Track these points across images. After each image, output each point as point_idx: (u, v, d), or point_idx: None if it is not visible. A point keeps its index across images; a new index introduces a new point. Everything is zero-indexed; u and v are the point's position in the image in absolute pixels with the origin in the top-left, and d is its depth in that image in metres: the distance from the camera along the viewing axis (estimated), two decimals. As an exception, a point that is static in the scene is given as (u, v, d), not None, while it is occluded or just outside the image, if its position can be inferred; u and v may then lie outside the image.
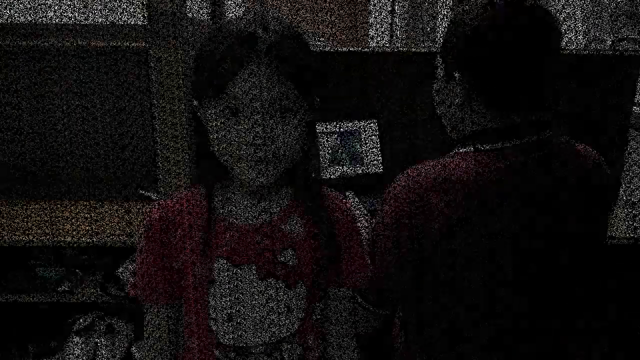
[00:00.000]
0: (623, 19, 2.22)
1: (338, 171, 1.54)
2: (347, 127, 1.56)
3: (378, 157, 1.57)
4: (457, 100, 0.90)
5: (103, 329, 1.31)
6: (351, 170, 1.55)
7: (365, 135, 1.57)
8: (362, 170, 1.56)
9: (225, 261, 0.72)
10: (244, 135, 0.66)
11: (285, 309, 0.75)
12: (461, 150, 0.89)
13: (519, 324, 0.88)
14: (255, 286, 0.73)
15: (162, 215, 0.74)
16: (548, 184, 0.86)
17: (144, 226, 0.74)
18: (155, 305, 0.78)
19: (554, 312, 0.91)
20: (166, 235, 0.73)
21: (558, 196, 0.86)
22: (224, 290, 0.73)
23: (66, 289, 1.25)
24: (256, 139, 0.65)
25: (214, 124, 0.69)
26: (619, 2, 2.22)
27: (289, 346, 0.76)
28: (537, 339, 0.90)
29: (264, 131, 0.65)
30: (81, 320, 1.34)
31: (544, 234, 0.86)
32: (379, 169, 1.57)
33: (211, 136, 0.70)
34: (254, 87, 0.64)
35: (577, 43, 2.49)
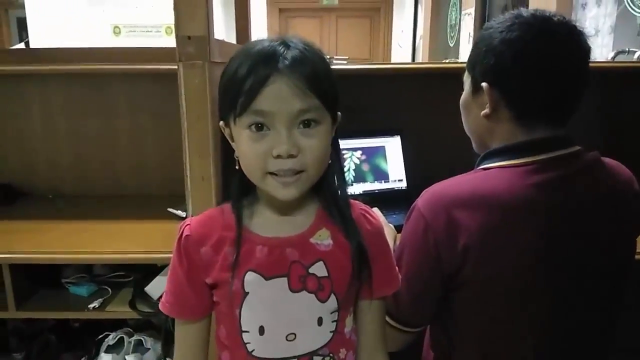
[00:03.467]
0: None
1: (362, 187, 1.54)
2: (371, 143, 1.56)
3: (402, 172, 1.57)
4: (483, 114, 0.90)
5: (132, 345, 1.33)
6: (375, 186, 1.55)
7: (389, 151, 1.57)
8: (386, 186, 1.56)
9: (256, 274, 0.73)
10: (270, 149, 0.68)
11: (317, 321, 0.75)
12: (487, 166, 0.89)
13: (551, 341, 0.86)
14: (286, 299, 0.74)
15: (192, 233, 0.76)
16: (578, 200, 0.84)
17: (175, 244, 0.77)
18: (186, 321, 0.79)
19: (584, 328, 0.89)
20: (197, 251, 0.75)
21: (589, 212, 0.85)
22: (255, 303, 0.74)
23: (97, 305, 1.27)
24: (282, 152, 0.67)
25: (240, 141, 0.71)
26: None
27: (320, 359, 0.76)
28: (569, 356, 0.88)
29: (290, 144, 0.67)
30: (111, 336, 1.35)
31: (574, 251, 0.84)
32: (403, 185, 1.57)
33: (238, 153, 0.73)
34: (278, 101, 0.66)
35: (604, 56, 2.46)
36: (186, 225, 0.78)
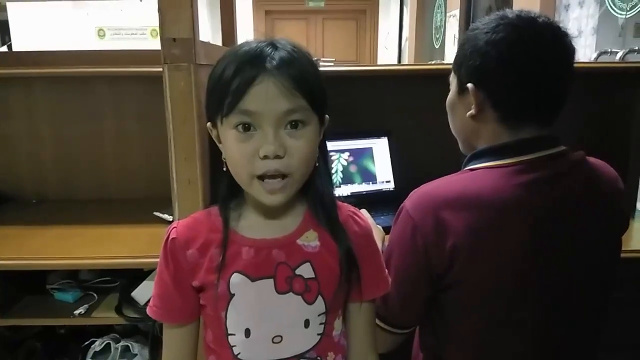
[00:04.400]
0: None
1: (350, 188, 1.54)
2: (358, 144, 1.56)
3: (390, 174, 1.57)
4: (469, 114, 0.90)
5: (119, 351, 1.31)
6: (363, 187, 1.55)
7: (377, 152, 1.58)
8: (374, 188, 1.56)
9: (242, 276, 0.73)
10: (256, 149, 0.67)
11: (304, 323, 0.75)
12: (474, 167, 0.89)
13: (541, 340, 0.87)
14: (272, 300, 0.73)
15: (178, 236, 0.75)
16: (565, 199, 0.85)
17: (162, 247, 0.76)
18: (174, 325, 0.78)
19: (573, 327, 0.90)
20: (183, 254, 0.75)
21: (575, 212, 0.86)
22: (241, 305, 0.74)
23: (82, 311, 1.25)
24: (269, 152, 0.66)
25: (227, 142, 0.70)
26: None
27: None
28: (560, 353, 0.89)
29: (276, 145, 0.67)
30: (97, 343, 1.34)
31: (562, 250, 0.85)
32: (391, 187, 1.57)
33: (225, 155, 0.72)
34: (265, 101, 0.66)
35: (587, 56, 2.49)
36: (173, 228, 0.77)
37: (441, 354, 0.93)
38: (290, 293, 0.74)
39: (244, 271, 0.73)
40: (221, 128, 0.71)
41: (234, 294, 0.74)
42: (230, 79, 0.67)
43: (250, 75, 0.66)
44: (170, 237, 0.76)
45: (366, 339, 0.83)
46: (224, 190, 0.77)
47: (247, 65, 0.67)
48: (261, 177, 0.69)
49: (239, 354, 0.76)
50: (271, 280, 0.74)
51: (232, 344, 0.76)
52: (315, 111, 0.71)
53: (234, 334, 0.75)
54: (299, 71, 0.68)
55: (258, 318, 0.75)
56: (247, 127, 0.68)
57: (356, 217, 0.81)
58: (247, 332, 0.75)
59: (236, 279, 0.73)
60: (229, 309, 0.74)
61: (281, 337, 0.75)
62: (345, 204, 0.82)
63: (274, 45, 0.69)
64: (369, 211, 1.13)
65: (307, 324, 0.76)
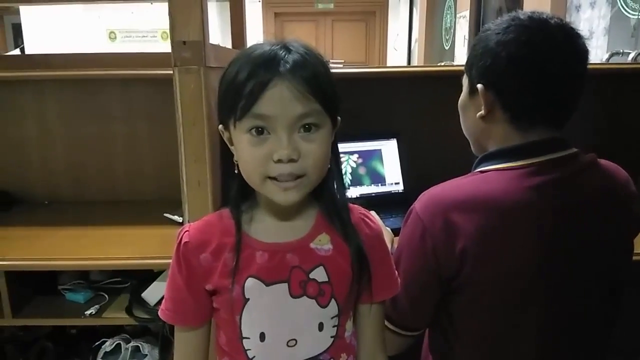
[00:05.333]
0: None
1: (359, 190, 1.54)
2: (367, 146, 1.56)
3: (399, 176, 1.57)
4: (479, 115, 0.90)
5: (130, 351, 1.32)
6: (372, 189, 1.55)
7: (386, 154, 1.57)
8: (383, 190, 1.56)
9: (257, 280, 0.73)
10: (270, 153, 0.67)
11: (318, 327, 0.75)
12: (485, 169, 0.89)
13: (550, 343, 0.86)
14: (287, 304, 0.73)
15: (191, 239, 0.75)
16: (576, 202, 0.84)
17: (174, 251, 0.76)
18: (186, 328, 0.78)
19: (583, 330, 0.89)
20: (196, 258, 0.74)
21: (586, 214, 0.85)
22: (256, 309, 0.73)
23: (93, 312, 1.26)
24: (283, 157, 0.66)
25: (240, 145, 0.70)
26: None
27: None
28: (568, 357, 0.88)
29: (290, 149, 0.66)
30: (108, 343, 1.35)
31: (572, 252, 0.84)
32: (400, 188, 1.57)
33: (238, 158, 0.72)
34: (279, 105, 0.66)
35: (598, 57, 2.47)
36: (185, 232, 0.77)
37: (450, 356, 0.93)
38: (304, 297, 0.74)
39: (258, 275, 0.73)
40: (234, 131, 0.71)
41: (248, 299, 0.73)
42: (244, 82, 0.67)
43: (265, 79, 0.66)
44: (183, 241, 0.75)
45: (375, 340, 0.83)
46: (235, 192, 0.77)
47: (261, 69, 0.67)
48: (274, 177, 0.69)
49: (253, 357, 0.76)
50: (285, 285, 0.74)
51: (246, 348, 0.76)
52: (328, 114, 0.70)
53: (249, 338, 0.75)
54: (312, 74, 0.68)
55: (273, 322, 0.75)
56: (260, 131, 0.68)
57: (367, 220, 0.80)
58: (262, 336, 0.75)
59: (251, 283, 0.73)
60: (244, 313, 0.74)
61: (296, 340, 0.75)
62: (357, 205, 0.82)
63: (287, 48, 0.69)
64: (377, 213, 1.12)
65: (321, 327, 0.76)
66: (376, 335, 0.83)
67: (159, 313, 0.79)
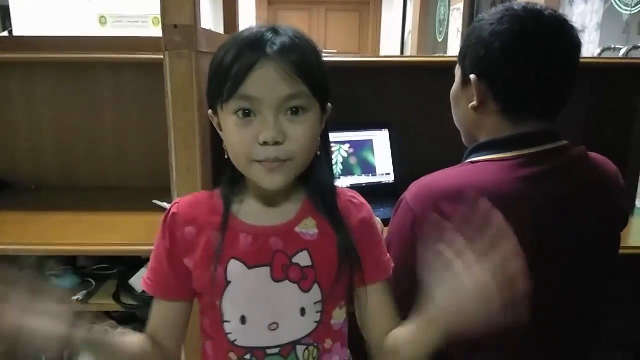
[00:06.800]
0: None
1: (349, 180, 1.54)
2: (358, 136, 1.56)
3: (390, 166, 1.57)
4: (471, 106, 0.90)
5: (116, 338, 1.31)
6: (363, 179, 1.55)
7: (377, 144, 1.57)
8: (374, 180, 1.56)
9: (239, 262, 0.72)
10: (256, 135, 0.67)
11: (300, 311, 0.75)
12: (475, 159, 0.89)
13: (539, 332, 0.87)
14: (269, 288, 0.73)
15: (179, 211, 0.76)
16: (565, 194, 0.85)
17: (162, 221, 0.76)
18: (163, 299, 0.78)
19: (571, 320, 0.90)
20: (181, 230, 0.75)
21: (576, 206, 0.86)
22: (237, 292, 0.74)
23: (80, 298, 1.25)
24: (268, 138, 0.66)
25: (227, 128, 0.70)
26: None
27: (304, 348, 0.76)
28: (556, 347, 0.89)
29: (276, 131, 0.66)
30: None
31: (561, 244, 0.85)
32: (391, 179, 1.57)
33: (226, 142, 0.72)
34: (265, 87, 0.65)
35: (590, 52, 2.48)
36: (175, 204, 0.78)
37: (441, 346, 0.93)
38: (287, 281, 0.74)
39: (241, 258, 0.73)
40: (221, 114, 0.71)
41: (230, 282, 0.74)
42: (231, 64, 0.67)
43: (251, 60, 0.66)
44: (171, 212, 0.77)
45: (390, 318, 0.79)
46: (227, 177, 0.78)
47: (248, 50, 0.66)
48: (260, 161, 0.69)
49: (235, 340, 0.76)
50: (267, 268, 0.74)
51: (227, 331, 0.76)
52: (316, 98, 0.70)
53: (230, 321, 0.75)
54: (300, 57, 0.67)
55: (254, 306, 0.75)
56: (247, 113, 0.68)
57: (355, 200, 0.81)
58: (243, 319, 0.75)
59: (233, 265, 0.73)
60: (225, 297, 0.74)
61: (277, 324, 0.75)
62: (344, 188, 0.82)
63: (275, 31, 0.68)
64: (368, 203, 1.12)
65: (303, 312, 0.76)
66: (389, 313, 0.79)
67: (141, 283, 0.80)
